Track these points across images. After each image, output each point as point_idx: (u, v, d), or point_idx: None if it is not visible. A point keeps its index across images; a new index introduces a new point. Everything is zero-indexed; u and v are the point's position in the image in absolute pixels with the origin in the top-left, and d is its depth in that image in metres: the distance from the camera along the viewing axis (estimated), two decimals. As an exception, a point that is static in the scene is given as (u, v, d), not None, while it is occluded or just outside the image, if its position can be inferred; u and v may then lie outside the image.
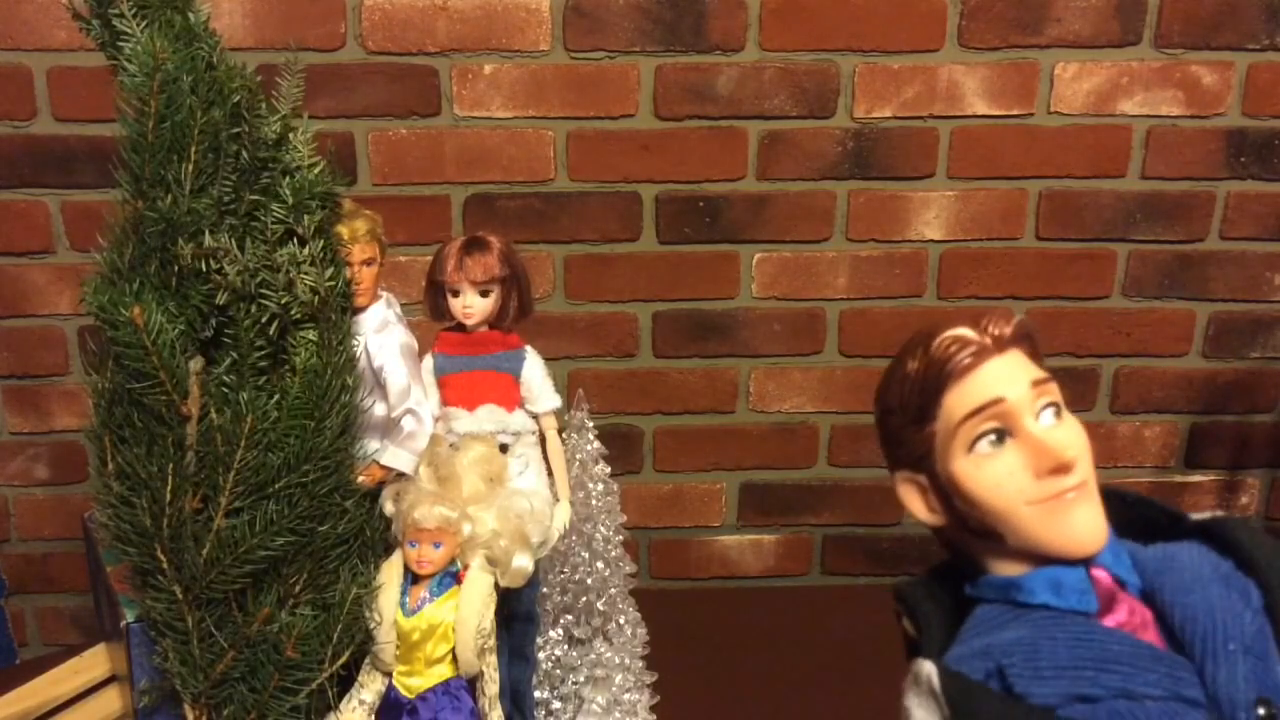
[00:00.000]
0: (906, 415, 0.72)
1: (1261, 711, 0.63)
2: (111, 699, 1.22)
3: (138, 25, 0.91)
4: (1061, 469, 0.67)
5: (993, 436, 0.69)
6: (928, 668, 0.69)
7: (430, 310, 1.13)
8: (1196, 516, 0.73)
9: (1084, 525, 0.67)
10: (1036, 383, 0.69)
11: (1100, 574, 0.68)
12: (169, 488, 0.96)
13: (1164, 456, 1.63)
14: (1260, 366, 1.59)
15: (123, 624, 1.09)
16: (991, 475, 0.68)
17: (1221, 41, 1.46)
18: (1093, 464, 0.69)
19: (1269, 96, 1.48)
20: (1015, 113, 1.48)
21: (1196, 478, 1.65)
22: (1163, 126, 1.49)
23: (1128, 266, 1.54)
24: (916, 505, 0.75)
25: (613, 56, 1.44)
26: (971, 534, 0.72)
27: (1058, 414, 0.69)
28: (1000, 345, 0.70)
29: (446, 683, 1.06)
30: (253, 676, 1.01)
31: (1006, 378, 0.69)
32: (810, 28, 1.43)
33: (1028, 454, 0.68)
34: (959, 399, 0.69)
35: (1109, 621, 0.68)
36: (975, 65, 1.46)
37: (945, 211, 1.51)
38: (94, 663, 1.23)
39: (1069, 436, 0.68)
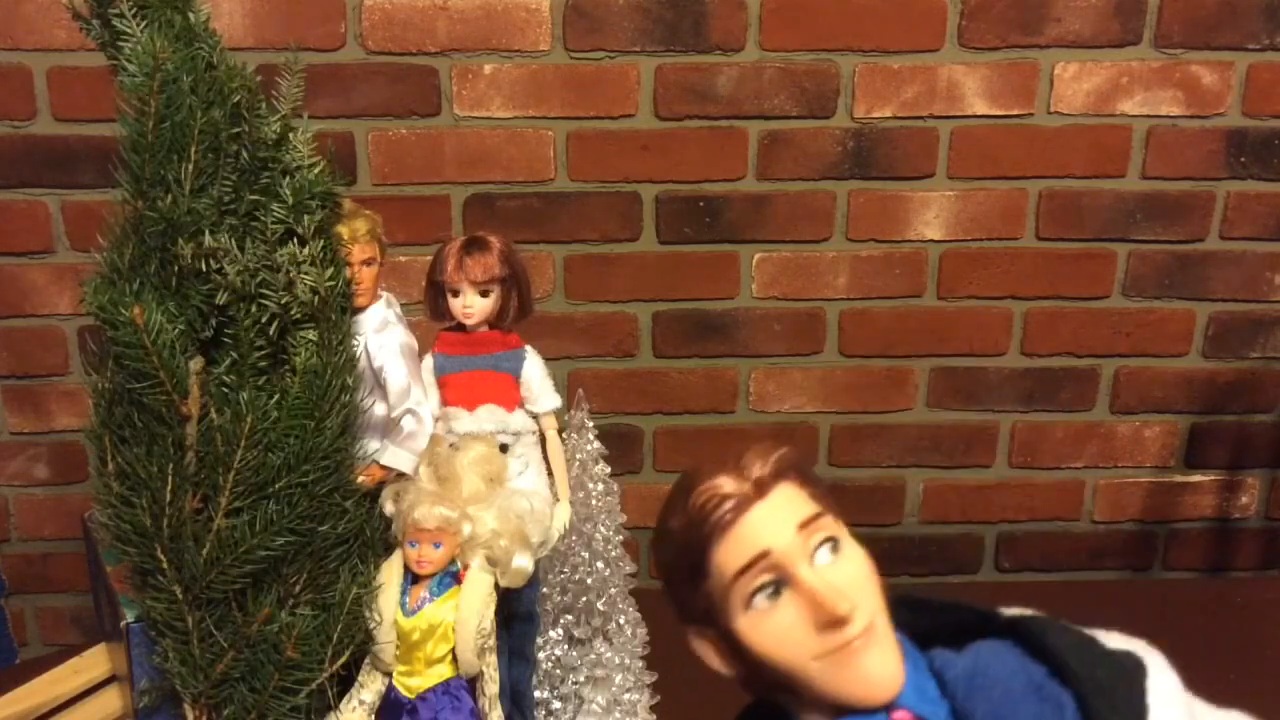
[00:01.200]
0: (680, 574, 0.69)
1: None
2: (111, 699, 1.22)
3: (138, 25, 0.91)
4: (838, 623, 0.62)
5: (769, 590, 0.64)
6: None
7: (430, 310, 1.13)
8: (1007, 613, 0.68)
9: (875, 673, 0.63)
10: (804, 524, 0.65)
11: (904, 717, 0.64)
12: (169, 488, 0.96)
13: (1164, 456, 1.63)
14: (1260, 366, 1.59)
15: (123, 624, 1.09)
16: (772, 632, 0.65)
17: (1221, 41, 1.46)
18: (879, 599, 0.65)
19: (1269, 96, 1.48)
20: (1015, 113, 1.48)
21: (1196, 478, 1.65)
22: (1163, 126, 1.49)
23: (1128, 266, 1.54)
24: (712, 660, 0.71)
25: (613, 56, 1.44)
26: (770, 686, 0.68)
27: (835, 549, 0.65)
28: (761, 488, 0.65)
29: (446, 683, 1.06)
30: (253, 676, 1.01)
31: (771, 527, 0.64)
32: (810, 28, 1.43)
33: (805, 606, 0.63)
34: (726, 556, 0.65)
35: None
36: (975, 65, 1.46)
37: (945, 211, 1.51)
38: (94, 663, 1.23)
39: (845, 581, 0.64)
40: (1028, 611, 0.68)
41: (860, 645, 0.63)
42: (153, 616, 1.01)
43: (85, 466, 1.05)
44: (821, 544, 0.65)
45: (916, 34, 1.44)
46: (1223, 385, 1.60)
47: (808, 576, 0.63)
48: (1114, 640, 0.66)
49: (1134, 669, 0.64)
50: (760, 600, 0.65)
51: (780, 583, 0.64)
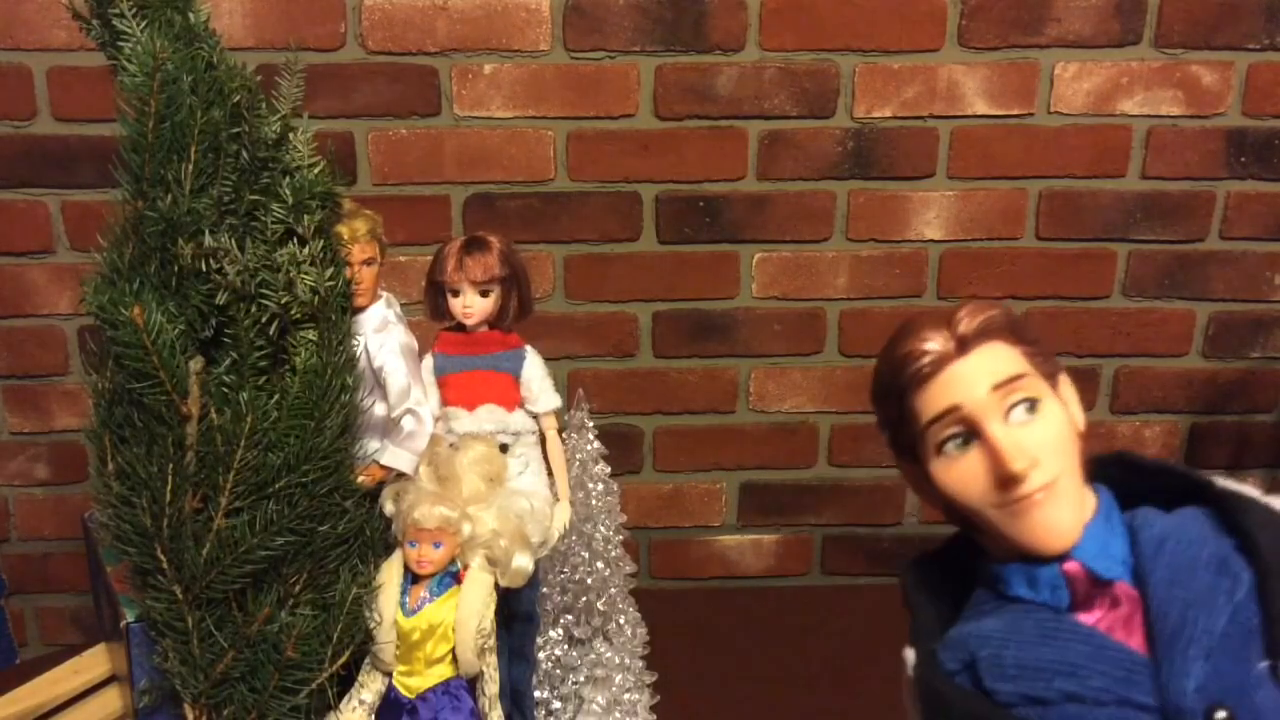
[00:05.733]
0: (886, 413, 0.75)
1: (1220, 716, 0.62)
2: (111, 699, 1.22)
3: (138, 25, 0.91)
4: (1014, 478, 0.67)
5: (959, 439, 0.70)
6: (908, 655, 0.72)
7: (430, 310, 1.13)
8: (1219, 484, 0.71)
9: (1048, 527, 0.68)
10: (1001, 384, 0.69)
11: (1075, 569, 0.68)
12: (169, 488, 0.96)
13: (1164, 456, 1.63)
14: (1260, 366, 1.59)
15: (123, 624, 1.09)
16: (958, 478, 0.70)
17: (1221, 41, 1.46)
18: (1071, 460, 0.69)
19: (1269, 96, 1.48)
20: (1015, 113, 1.48)
21: (1196, 478, 1.65)
22: (1163, 126, 1.49)
23: (1128, 266, 1.54)
24: (915, 489, 0.77)
25: (613, 56, 1.44)
26: (962, 521, 0.74)
27: (1032, 409, 0.69)
28: (964, 346, 0.70)
29: (446, 683, 1.06)
30: (253, 676, 1.01)
31: (965, 383, 0.69)
32: (810, 28, 1.43)
33: (987, 459, 0.68)
34: (921, 405, 0.71)
35: (1085, 618, 0.68)
36: (975, 65, 1.46)
37: (945, 211, 1.51)
38: (94, 663, 1.23)
39: (1033, 440, 0.68)
40: (1241, 487, 0.71)
41: (1040, 499, 0.67)
42: (153, 616, 1.01)
43: (85, 466, 1.04)
44: (1018, 403, 0.69)
45: (916, 34, 1.44)
46: (1223, 385, 1.60)
47: (994, 432, 0.68)
48: None
49: None
50: (950, 447, 0.70)
51: (970, 434, 0.69)
